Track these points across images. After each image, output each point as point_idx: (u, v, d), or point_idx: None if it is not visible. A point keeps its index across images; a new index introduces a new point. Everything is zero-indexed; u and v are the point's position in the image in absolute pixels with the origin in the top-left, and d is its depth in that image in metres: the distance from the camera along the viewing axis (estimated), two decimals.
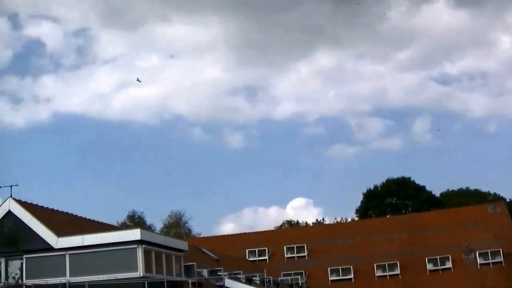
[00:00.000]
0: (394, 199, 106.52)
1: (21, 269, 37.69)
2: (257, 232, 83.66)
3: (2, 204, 39.22)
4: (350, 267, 69.32)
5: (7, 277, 37.93)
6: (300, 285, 57.12)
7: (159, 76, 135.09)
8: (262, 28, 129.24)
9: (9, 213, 38.09)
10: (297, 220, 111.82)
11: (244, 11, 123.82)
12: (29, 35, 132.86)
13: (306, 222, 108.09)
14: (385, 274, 67.45)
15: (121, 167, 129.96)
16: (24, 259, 37.30)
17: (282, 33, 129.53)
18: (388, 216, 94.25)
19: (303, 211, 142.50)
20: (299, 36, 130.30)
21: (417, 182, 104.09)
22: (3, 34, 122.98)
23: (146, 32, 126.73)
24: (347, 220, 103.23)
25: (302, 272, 69.64)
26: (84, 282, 31.32)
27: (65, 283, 31.60)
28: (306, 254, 74.74)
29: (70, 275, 35.31)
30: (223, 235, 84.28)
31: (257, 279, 50.44)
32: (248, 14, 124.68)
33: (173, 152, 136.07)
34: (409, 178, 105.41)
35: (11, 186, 38.62)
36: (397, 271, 67.10)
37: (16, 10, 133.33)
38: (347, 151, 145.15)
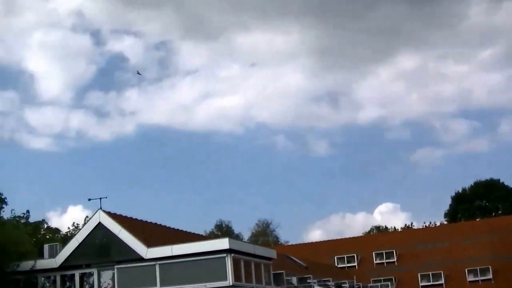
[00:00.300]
0: (484, 201, 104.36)
1: (112, 279, 38.29)
2: (345, 238, 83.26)
3: (92, 216, 39.94)
4: (440, 272, 68.20)
5: (100, 287, 38.57)
6: None
7: (241, 85, 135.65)
8: (341, 33, 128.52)
9: (100, 225, 38.73)
10: (385, 226, 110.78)
11: (323, 16, 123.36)
12: (112, 50, 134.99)
13: (394, 227, 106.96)
14: (477, 279, 66.11)
15: (207, 177, 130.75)
16: (115, 269, 37.87)
17: (361, 37, 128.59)
18: (478, 219, 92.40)
19: (390, 216, 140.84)
20: (378, 39, 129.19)
21: (506, 183, 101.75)
22: (87, 50, 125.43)
23: (227, 42, 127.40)
24: (435, 224, 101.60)
25: (391, 278, 68.95)
26: None
27: None
28: (395, 259, 73.97)
29: (161, 285, 35.73)
30: (311, 242, 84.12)
31: (346, 286, 50.16)
32: (327, 19, 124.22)
33: (257, 161, 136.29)
34: (498, 180, 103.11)
35: (100, 199, 39.33)
36: (490, 276, 65.68)
37: (98, 27, 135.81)
38: (433, 154, 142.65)
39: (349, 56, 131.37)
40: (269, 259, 39.99)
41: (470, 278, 66.51)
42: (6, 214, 50.27)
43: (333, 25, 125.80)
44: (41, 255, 43.02)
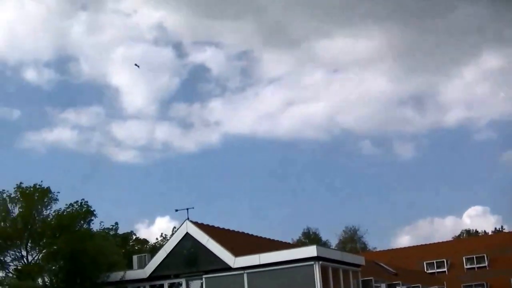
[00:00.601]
0: None
1: None
2: (434, 243, 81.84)
3: (180, 226, 40.23)
4: None
5: None
6: None
7: (325, 92, 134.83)
8: (423, 35, 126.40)
9: (187, 235, 39.01)
10: (476, 229, 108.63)
11: (404, 18, 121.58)
12: (194, 62, 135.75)
13: (484, 231, 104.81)
14: None
15: (293, 184, 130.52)
16: (203, 279, 38.07)
17: (444, 38, 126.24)
18: None
19: (480, 219, 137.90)
20: (461, 40, 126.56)
21: None
22: (170, 63, 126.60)
23: (308, 49, 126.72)
24: None
25: (483, 284, 67.54)
26: None
27: None
28: (486, 264, 72.47)
29: None
30: (400, 248, 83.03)
31: None
32: (408, 21, 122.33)
33: (343, 167, 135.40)
34: None
35: (187, 209, 39.64)
36: None
37: (179, 39, 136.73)
38: None
39: (432, 58, 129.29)
40: (358, 265, 39.59)
41: None
42: (96, 226, 51.08)
43: (415, 27, 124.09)
44: (130, 266, 43.58)
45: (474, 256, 73.30)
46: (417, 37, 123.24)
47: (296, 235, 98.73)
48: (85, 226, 49.76)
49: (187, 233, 38.99)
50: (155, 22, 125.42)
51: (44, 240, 49.27)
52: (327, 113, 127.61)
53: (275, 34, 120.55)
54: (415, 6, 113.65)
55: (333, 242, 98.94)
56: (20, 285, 42.23)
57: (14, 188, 49.17)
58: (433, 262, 74.05)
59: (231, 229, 42.27)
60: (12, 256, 50.06)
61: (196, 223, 39.18)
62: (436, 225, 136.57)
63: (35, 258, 50.10)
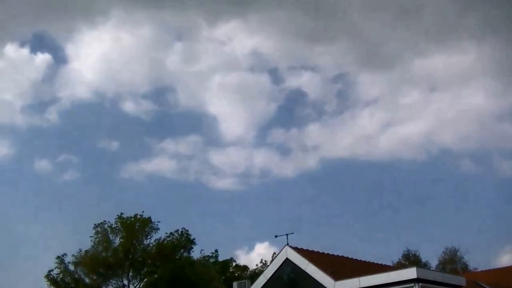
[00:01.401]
0: None
1: None
2: None
3: (279, 252, 40.46)
4: None
5: None
6: None
7: (422, 111, 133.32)
8: None
9: (287, 261, 39.16)
10: None
11: (499, 31, 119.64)
12: (290, 87, 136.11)
13: None
14: None
15: (392, 206, 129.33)
16: None
17: None
18: None
19: None
20: None
21: None
22: (266, 89, 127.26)
23: (404, 69, 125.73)
24: None
25: None
26: None
27: None
28: None
29: None
30: (502, 268, 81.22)
31: None
32: (504, 34, 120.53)
33: (443, 186, 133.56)
34: None
35: (287, 235, 39.80)
36: None
37: (275, 65, 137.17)
38: None
39: None
40: (459, 287, 38.99)
41: None
42: (196, 254, 52.04)
43: (510, 38, 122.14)
44: None
45: None
46: None
47: (396, 257, 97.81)
48: (185, 254, 50.77)
49: (286, 258, 39.16)
50: (250, 48, 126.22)
51: (145, 269, 50.42)
52: (425, 132, 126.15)
53: (370, 55, 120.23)
54: (510, 18, 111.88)
55: (433, 264, 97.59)
56: None
57: (115, 219, 50.60)
58: None
59: (330, 253, 42.25)
60: (114, 286, 51.39)
61: (295, 248, 39.35)
62: None
63: (137, 287, 51.22)
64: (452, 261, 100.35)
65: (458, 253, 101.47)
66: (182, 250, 51.07)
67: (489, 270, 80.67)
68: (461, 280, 40.46)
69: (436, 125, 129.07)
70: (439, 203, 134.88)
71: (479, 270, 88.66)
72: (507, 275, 73.61)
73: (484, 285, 58.95)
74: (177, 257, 49.58)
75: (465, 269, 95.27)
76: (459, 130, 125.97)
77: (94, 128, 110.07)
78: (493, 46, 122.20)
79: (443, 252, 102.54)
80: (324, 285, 37.14)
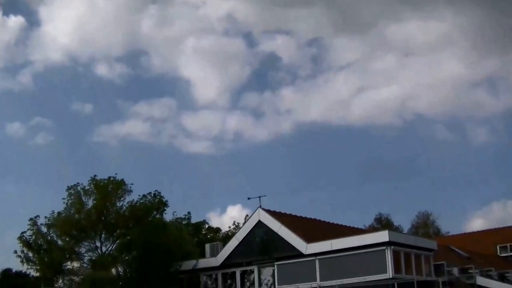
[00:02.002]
0: None
1: (273, 275, 38.68)
2: (508, 226, 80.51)
3: (252, 215, 40.44)
4: None
5: (260, 284, 39.02)
6: None
7: (397, 77, 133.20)
8: (496, 16, 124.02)
9: (259, 223, 39.21)
10: None
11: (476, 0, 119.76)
12: (264, 51, 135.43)
13: None
14: None
15: (365, 171, 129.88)
16: (275, 266, 38.23)
17: None
18: None
19: None
20: None
21: None
22: (240, 53, 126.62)
23: (379, 34, 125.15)
24: None
25: None
26: (334, 285, 31.44)
27: (315, 287, 31.91)
28: None
29: (320, 280, 35.74)
30: (473, 232, 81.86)
31: (510, 276, 48.53)
32: (481, 3, 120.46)
33: (416, 152, 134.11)
34: None
35: (259, 197, 39.82)
36: None
37: (249, 29, 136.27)
38: None
39: (506, 39, 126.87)
40: (430, 250, 39.23)
41: None
42: (169, 216, 51.78)
43: (488, 8, 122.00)
44: (202, 255, 43.99)
45: None
46: (490, 18, 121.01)
47: (368, 221, 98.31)
48: (158, 216, 50.50)
49: (259, 220, 39.20)
50: (224, 12, 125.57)
51: (118, 231, 50.12)
52: (399, 98, 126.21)
53: (345, 20, 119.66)
54: None
55: (406, 228, 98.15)
56: (95, 275, 42.96)
57: (89, 181, 50.12)
58: (507, 246, 72.79)
59: (303, 216, 42.28)
60: (87, 247, 51.04)
61: (268, 211, 39.36)
62: (509, 208, 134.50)
63: (109, 249, 51.00)
64: (424, 225, 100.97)
65: (430, 217, 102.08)
66: (155, 212, 50.82)
67: (461, 235, 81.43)
68: (432, 244, 40.71)
69: (411, 91, 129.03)
70: (413, 168, 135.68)
71: (451, 234, 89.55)
72: (477, 240, 74.35)
73: (456, 249, 59.36)
74: (150, 219, 49.32)
75: (437, 233, 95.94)
76: (434, 96, 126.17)
77: (67, 91, 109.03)
78: (469, 13, 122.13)
79: (415, 216, 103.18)
80: (296, 247, 37.24)
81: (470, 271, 46.76)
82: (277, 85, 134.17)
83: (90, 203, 50.06)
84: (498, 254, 71.45)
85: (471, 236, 77.58)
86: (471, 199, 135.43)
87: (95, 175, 50.41)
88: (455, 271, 45.73)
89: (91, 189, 50.22)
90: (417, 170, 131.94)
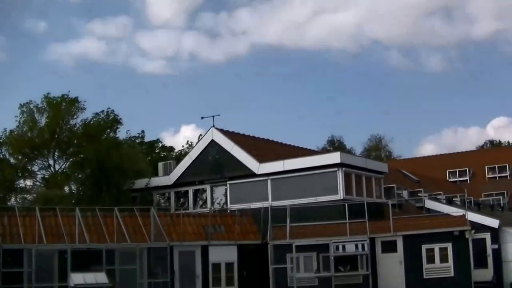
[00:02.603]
0: None
1: (225, 195, 38.69)
2: (458, 152, 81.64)
3: (205, 134, 40.20)
4: None
5: (212, 203, 39.03)
6: (502, 205, 55.16)
7: (353, 2, 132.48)
8: None
9: (212, 142, 38.98)
10: (499, 140, 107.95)
11: None
12: None
13: (508, 142, 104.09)
14: None
15: (319, 93, 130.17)
16: (228, 185, 38.20)
17: None
18: None
19: (504, 130, 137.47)
20: None
21: None
22: None
23: None
24: None
25: (503, 193, 67.49)
26: (285, 206, 31.48)
27: (267, 207, 31.92)
28: (508, 174, 72.32)
29: (272, 199, 35.74)
30: (423, 157, 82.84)
31: (457, 200, 49.15)
32: None
33: (370, 77, 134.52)
34: None
35: (213, 116, 39.52)
36: None
37: None
38: None
39: None
40: (381, 173, 39.44)
41: None
42: (122, 134, 51.38)
43: None
44: (156, 173, 43.80)
45: (496, 166, 73.14)
46: None
47: (321, 143, 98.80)
48: (111, 134, 50.08)
49: (212, 140, 38.96)
50: None
51: (71, 149, 49.67)
52: (355, 23, 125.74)
53: None
54: None
55: (358, 150, 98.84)
56: (47, 193, 42.59)
57: (42, 99, 49.37)
58: (456, 171, 74.00)
59: (256, 136, 42.13)
60: (40, 165, 50.62)
61: (221, 130, 39.12)
62: (459, 135, 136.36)
63: (62, 167, 50.59)
64: (376, 149, 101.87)
65: (382, 141, 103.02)
66: (108, 131, 50.40)
67: (411, 159, 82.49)
68: (383, 167, 40.92)
69: (367, 17, 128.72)
70: (367, 92, 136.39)
71: (402, 158, 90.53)
72: (428, 164, 75.33)
73: (406, 173, 60.05)
74: (103, 137, 48.87)
75: (388, 157, 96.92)
76: (390, 23, 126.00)
77: (20, 8, 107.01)
78: None
79: (368, 139, 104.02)
80: (249, 167, 37.16)
81: (419, 194, 47.35)
82: (233, 6, 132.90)
83: (43, 121, 49.42)
84: (447, 179, 72.63)
85: (421, 161, 78.60)
86: (423, 125, 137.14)
87: (48, 93, 49.69)
88: (405, 194, 46.28)
89: (44, 107, 49.49)
90: (371, 95, 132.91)
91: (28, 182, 51.08)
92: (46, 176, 50.87)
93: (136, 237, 28.14)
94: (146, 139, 56.95)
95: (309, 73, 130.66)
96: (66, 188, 47.85)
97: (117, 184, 40.09)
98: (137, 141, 54.74)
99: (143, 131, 55.56)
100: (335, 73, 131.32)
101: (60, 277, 25.62)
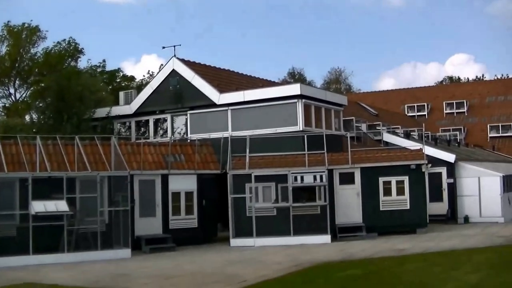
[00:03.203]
0: None
1: (185, 124, 38.56)
2: (417, 87, 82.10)
3: (166, 63, 39.83)
4: (510, 124, 67.47)
5: (173, 132, 38.91)
6: (458, 141, 55.88)
7: None
8: None
9: (173, 72, 38.66)
10: (458, 77, 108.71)
11: None
12: None
13: (468, 79, 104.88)
14: None
15: (281, 25, 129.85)
16: (188, 115, 38.06)
17: None
18: None
19: (463, 67, 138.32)
20: None
21: None
22: None
23: None
24: (508, 77, 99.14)
25: (460, 128, 68.42)
26: (245, 136, 31.41)
27: (227, 137, 31.86)
28: (465, 110, 73.04)
29: (232, 130, 35.68)
30: (383, 91, 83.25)
31: (415, 134, 49.65)
32: None
33: (331, 9, 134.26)
34: None
35: (174, 46, 39.15)
36: None
37: None
38: (510, 6, 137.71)
39: None
40: (340, 105, 39.48)
41: None
42: (83, 63, 50.91)
43: None
44: (117, 103, 43.50)
45: (454, 102, 73.77)
46: None
47: (282, 75, 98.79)
48: (72, 64, 49.58)
49: (173, 70, 38.62)
50: None
51: (32, 78, 49.13)
52: None
53: None
54: None
55: (318, 83, 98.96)
56: (8, 122, 42.17)
57: (2, 27, 48.61)
58: (414, 106, 74.55)
59: (218, 66, 41.89)
60: (0, 94, 50.04)
61: (182, 60, 38.77)
62: (419, 70, 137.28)
63: (23, 96, 50.10)
64: (336, 82, 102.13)
65: (343, 74, 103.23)
66: (69, 60, 49.90)
67: (371, 93, 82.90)
68: (342, 99, 40.95)
69: None
70: (328, 26, 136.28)
71: (361, 91, 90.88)
72: (386, 98, 75.88)
73: (365, 106, 60.33)
74: (64, 66, 48.36)
75: (348, 90, 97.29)
76: None
77: None
78: None
79: (328, 72, 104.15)
80: (209, 97, 37.00)
81: (377, 128, 47.71)
82: None
83: (3, 49, 48.87)
84: (406, 113, 73.21)
85: (380, 95, 79.04)
86: (383, 59, 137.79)
87: (8, 21, 48.91)
88: (364, 127, 46.58)
89: (4, 35, 48.83)
90: (333, 28, 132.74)
91: None
92: (7, 105, 50.43)
93: (96, 166, 27.93)
94: (107, 69, 56.49)
95: (272, 8, 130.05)
96: (27, 117, 47.46)
97: (78, 113, 39.72)
98: (98, 70, 54.25)
99: (104, 61, 55.05)
100: (298, 9, 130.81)
101: (21, 205, 25.42)
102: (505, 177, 38.02)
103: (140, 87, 50.63)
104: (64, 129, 37.15)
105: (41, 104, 43.83)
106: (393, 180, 31.18)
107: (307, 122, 35.32)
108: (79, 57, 50.34)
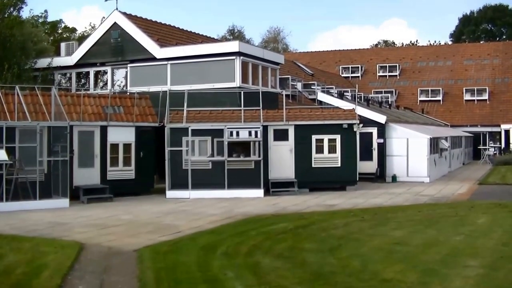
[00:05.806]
0: (490, 25, 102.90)
1: (125, 77, 38.25)
2: (351, 49, 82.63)
3: (108, 16, 39.27)
4: (439, 89, 68.71)
5: (113, 85, 38.56)
6: (389, 103, 56.59)
7: None
8: None
9: (115, 25, 38.17)
10: (393, 41, 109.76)
11: None
12: None
13: (402, 43, 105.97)
14: (473, 98, 66.63)
15: None
16: (128, 68, 37.70)
17: None
18: (482, 42, 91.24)
19: (396, 31, 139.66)
20: None
21: None
22: None
23: None
24: (440, 43, 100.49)
25: (392, 91, 69.30)
26: (183, 90, 31.29)
27: (166, 91, 31.68)
28: (398, 73, 74.00)
29: (171, 84, 35.53)
30: (319, 51, 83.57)
31: (348, 94, 50.10)
32: None
33: None
34: (507, 6, 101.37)
35: None
36: (486, 97, 66.05)
37: None
38: None
39: None
40: (277, 64, 39.54)
41: (467, 97, 67.16)
42: (25, 13, 49.73)
43: None
44: (58, 54, 42.82)
45: (387, 65, 74.61)
46: None
47: (222, 32, 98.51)
48: (14, 13, 48.28)
49: (115, 23, 38.09)
50: None
51: None
52: None
53: None
54: None
55: (257, 41, 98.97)
56: None
57: None
58: (349, 67, 75.18)
59: (159, 21, 41.48)
60: None
61: (124, 14, 38.26)
62: (354, 32, 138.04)
63: None
64: (274, 41, 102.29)
65: (281, 33, 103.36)
66: (11, 9, 48.61)
67: (307, 53, 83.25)
68: (279, 58, 40.97)
69: None
70: None
71: (298, 51, 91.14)
72: (322, 59, 76.32)
73: (301, 65, 60.56)
74: (6, 16, 47.13)
75: (285, 50, 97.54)
76: None
77: None
78: None
79: (267, 31, 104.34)
80: (150, 51, 36.67)
81: (312, 87, 48.01)
82: None
83: None
84: (340, 74, 73.77)
85: (316, 55, 79.53)
86: (320, 20, 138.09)
87: None
88: (299, 86, 46.81)
89: None
90: None
91: None
92: None
93: (36, 116, 27.54)
94: (49, 19, 55.40)
95: None
96: None
97: (19, 63, 38.97)
98: (40, 20, 53.16)
99: (46, 11, 54.08)
100: None
101: None
102: (432, 139, 38.75)
103: (82, 39, 49.78)
104: (4, 78, 36.41)
105: None
106: (326, 138, 31.44)
107: (244, 79, 35.30)
108: (22, 7, 49.05)
